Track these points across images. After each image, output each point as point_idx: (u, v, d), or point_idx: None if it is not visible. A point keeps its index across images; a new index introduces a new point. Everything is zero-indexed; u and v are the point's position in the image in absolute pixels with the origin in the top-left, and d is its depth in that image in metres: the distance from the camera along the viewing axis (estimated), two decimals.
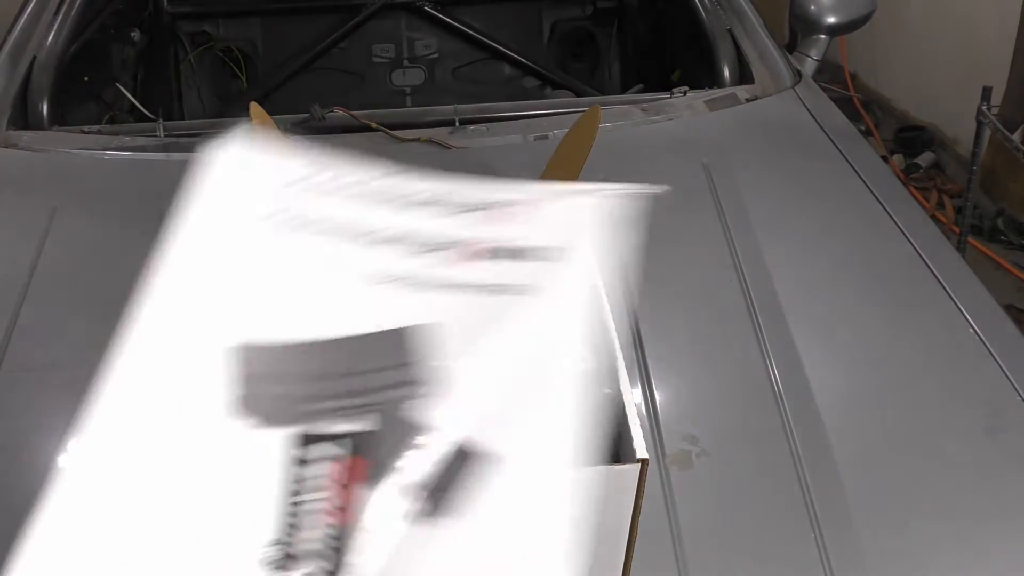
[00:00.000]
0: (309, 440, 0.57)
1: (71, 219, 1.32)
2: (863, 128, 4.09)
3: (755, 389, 1.05)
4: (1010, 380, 1.07)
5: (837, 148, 1.51)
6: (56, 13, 1.72)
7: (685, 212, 1.31)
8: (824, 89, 1.81)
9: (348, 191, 0.73)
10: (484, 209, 0.72)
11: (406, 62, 2.46)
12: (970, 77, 3.00)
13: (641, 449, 0.59)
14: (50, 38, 1.69)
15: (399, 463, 0.56)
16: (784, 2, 2.03)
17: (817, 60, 1.89)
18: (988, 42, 3.44)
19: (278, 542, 0.53)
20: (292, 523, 0.54)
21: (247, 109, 1.21)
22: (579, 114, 1.32)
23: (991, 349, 1.11)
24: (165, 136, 1.54)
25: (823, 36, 1.90)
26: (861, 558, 0.89)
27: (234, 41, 2.42)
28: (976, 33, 3.63)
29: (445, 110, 1.62)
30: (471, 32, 2.42)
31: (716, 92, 1.68)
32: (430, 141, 1.52)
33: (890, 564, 0.89)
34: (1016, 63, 3.10)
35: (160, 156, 1.49)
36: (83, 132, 1.58)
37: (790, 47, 1.92)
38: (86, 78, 1.83)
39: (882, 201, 1.37)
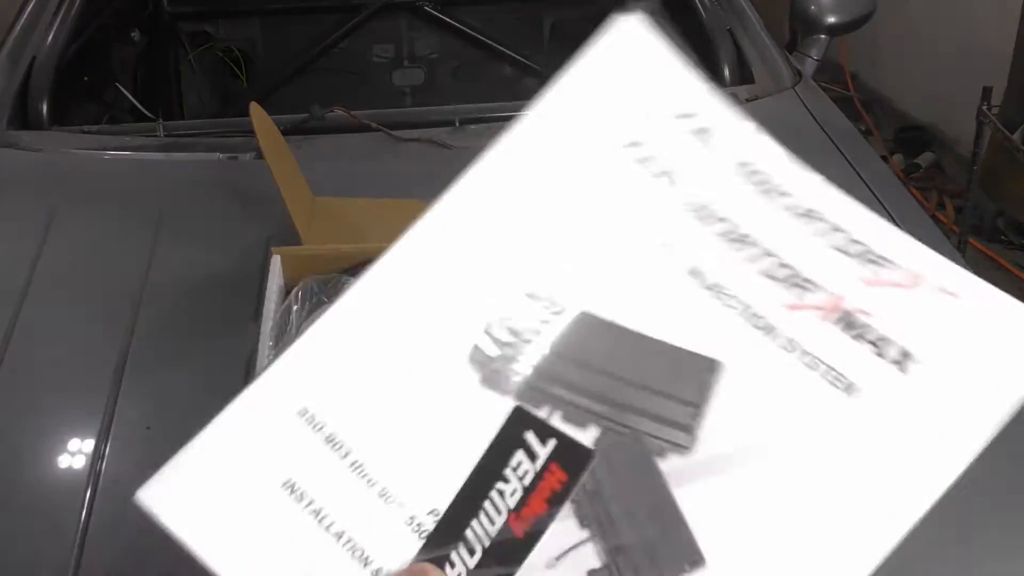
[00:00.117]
0: (549, 434, 0.49)
1: (71, 219, 1.32)
2: (863, 128, 4.08)
3: None
4: None
5: (837, 148, 1.51)
6: (56, 13, 1.72)
7: None
8: (824, 89, 1.81)
9: (732, 158, 0.57)
10: (883, 265, 0.54)
11: (406, 62, 2.45)
12: (970, 77, 2.99)
13: None
14: (50, 38, 1.69)
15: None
16: (784, 2, 2.03)
17: (817, 60, 1.89)
18: (988, 42, 3.44)
19: (439, 514, 0.48)
20: (471, 504, 0.48)
21: (247, 109, 1.22)
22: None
23: None
24: (165, 136, 1.54)
25: (823, 36, 1.90)
26: None
27: (234, 41, 2.42)
28: (976, 33, 3.63)
29: (445, 110, 1.62)
30: (471, 32, 2.42)
31: None
32: (430, 141, 1.52)
33: (890, 564, 0.89)
34: (1016, 63, 3.09)
35: (160, 156, 1.49)
36: (83, 132, 1.58)
37: (790, 47, 1.92)
38: (86, 78, 1.83)
39: (882, 201, 1.37)
